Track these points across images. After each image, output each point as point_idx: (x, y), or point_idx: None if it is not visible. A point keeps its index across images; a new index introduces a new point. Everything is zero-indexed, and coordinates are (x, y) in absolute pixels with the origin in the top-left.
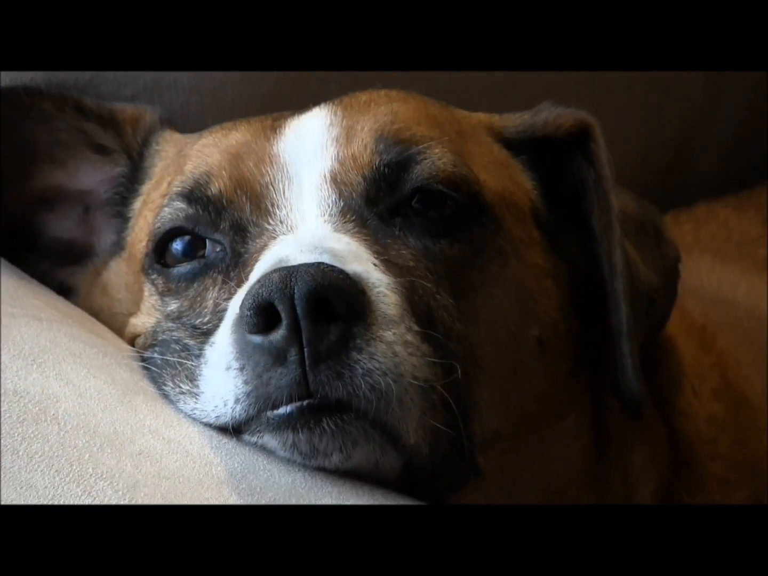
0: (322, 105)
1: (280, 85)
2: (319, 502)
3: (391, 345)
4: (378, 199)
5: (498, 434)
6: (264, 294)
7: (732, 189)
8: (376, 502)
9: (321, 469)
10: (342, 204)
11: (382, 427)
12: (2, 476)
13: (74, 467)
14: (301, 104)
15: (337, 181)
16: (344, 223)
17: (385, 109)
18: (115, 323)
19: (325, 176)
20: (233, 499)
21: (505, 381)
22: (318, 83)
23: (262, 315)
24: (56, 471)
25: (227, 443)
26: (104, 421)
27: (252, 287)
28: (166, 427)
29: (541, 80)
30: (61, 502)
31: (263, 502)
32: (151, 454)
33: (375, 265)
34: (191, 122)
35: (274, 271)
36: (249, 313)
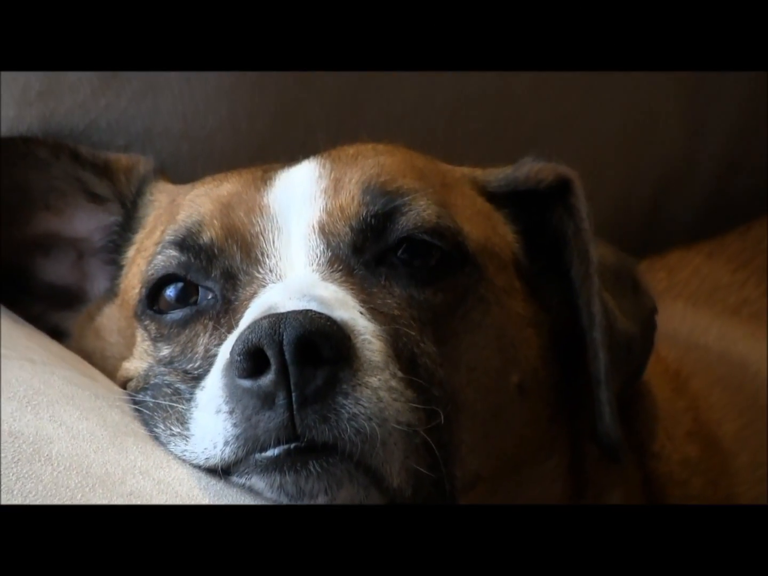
0: (311, 158)
1: (269, 133)
2: None
3: (376, 390)
4: (365, 249)
5: (479, 477)
6: (254, 340)
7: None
8: None
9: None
10: (330, 253)
11: (366, 470)
12: None
13: None
14: (289, 152)
15: (325, 231)
16: (332, 272)
17: (372, 162)
18: (107, 366)
19: (313, 226)
20: None
21: (486, 425)
22: (305, 132)
23: (251, 360)
24: None
25: (215, 485)
26: (96, 462)
27: (242, 333)
28: (156, 469)
29: (524, 132)
30: None
31: None
32: (142, 495)
33: (361, 312)
34: (181, 170)
35: (264, 317)
36: (239, 358)
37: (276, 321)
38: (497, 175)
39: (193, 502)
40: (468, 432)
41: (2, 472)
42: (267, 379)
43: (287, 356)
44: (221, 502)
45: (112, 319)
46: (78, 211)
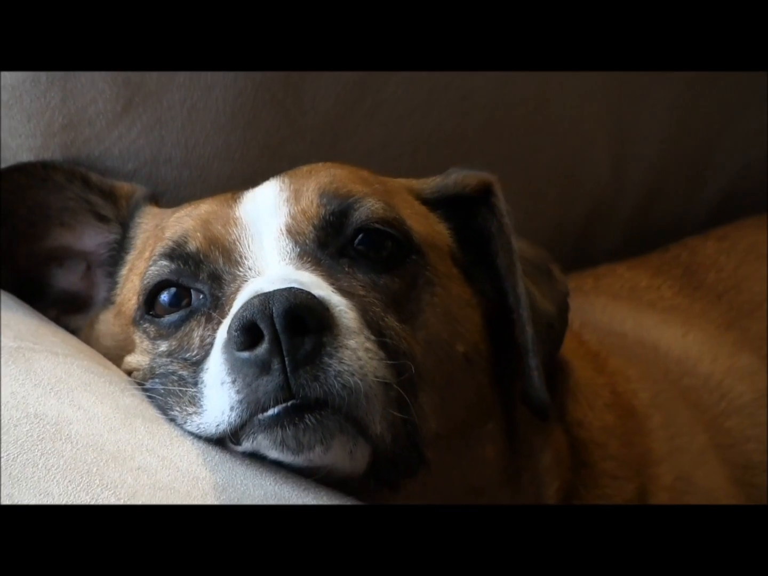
0: (271, 178)
1: (259, 163)
2: None
3: (355, 351)
4: (328, 243)
5: (438, 436)
6: (247, 316)
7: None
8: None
9: (289, 481)
10: (298, 250)
11: (354, 421)
12: (25, 485)
13: (84, 479)
14: None
15: (292, 232)
16: (302, 263)
17: (325, 173)
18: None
19: (281, 230)
20: None
21: (442, 390)
22: (289, 163)
23: (247, 334)
24: (69, 482)
25: (211, 461)
26: (109, 441)
27: (237, 312)
28: (160, 446)
29: (475, 167)
30: None
31: None
32: (148, 469)
33: (333, 291)
34: (183, 192)
35: (254, 297)
36: (236, 334)
37: (265, 298)
38: (430, 183)
39: (192, 476)
40: (428, 395)
41: (29, 449)
42: (262, 348)
43: (278, 327)
44: (217, 475)
45: (107, 325)
46: (87, 228)
